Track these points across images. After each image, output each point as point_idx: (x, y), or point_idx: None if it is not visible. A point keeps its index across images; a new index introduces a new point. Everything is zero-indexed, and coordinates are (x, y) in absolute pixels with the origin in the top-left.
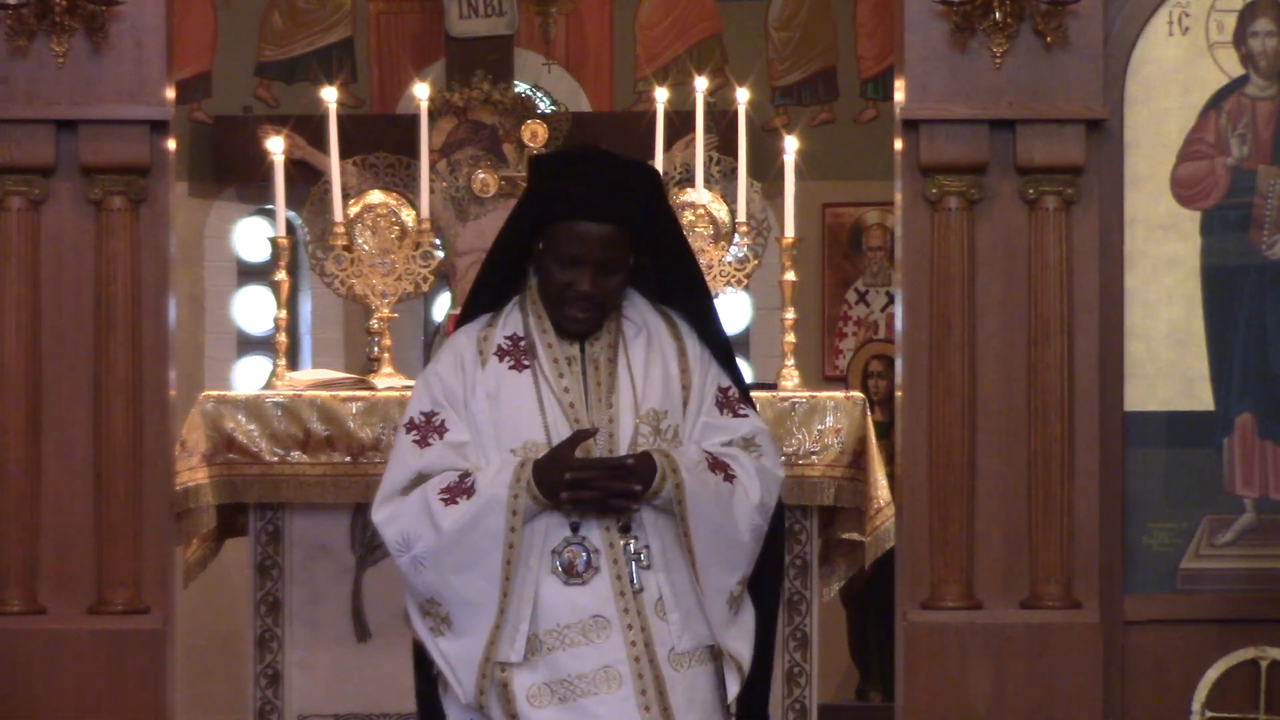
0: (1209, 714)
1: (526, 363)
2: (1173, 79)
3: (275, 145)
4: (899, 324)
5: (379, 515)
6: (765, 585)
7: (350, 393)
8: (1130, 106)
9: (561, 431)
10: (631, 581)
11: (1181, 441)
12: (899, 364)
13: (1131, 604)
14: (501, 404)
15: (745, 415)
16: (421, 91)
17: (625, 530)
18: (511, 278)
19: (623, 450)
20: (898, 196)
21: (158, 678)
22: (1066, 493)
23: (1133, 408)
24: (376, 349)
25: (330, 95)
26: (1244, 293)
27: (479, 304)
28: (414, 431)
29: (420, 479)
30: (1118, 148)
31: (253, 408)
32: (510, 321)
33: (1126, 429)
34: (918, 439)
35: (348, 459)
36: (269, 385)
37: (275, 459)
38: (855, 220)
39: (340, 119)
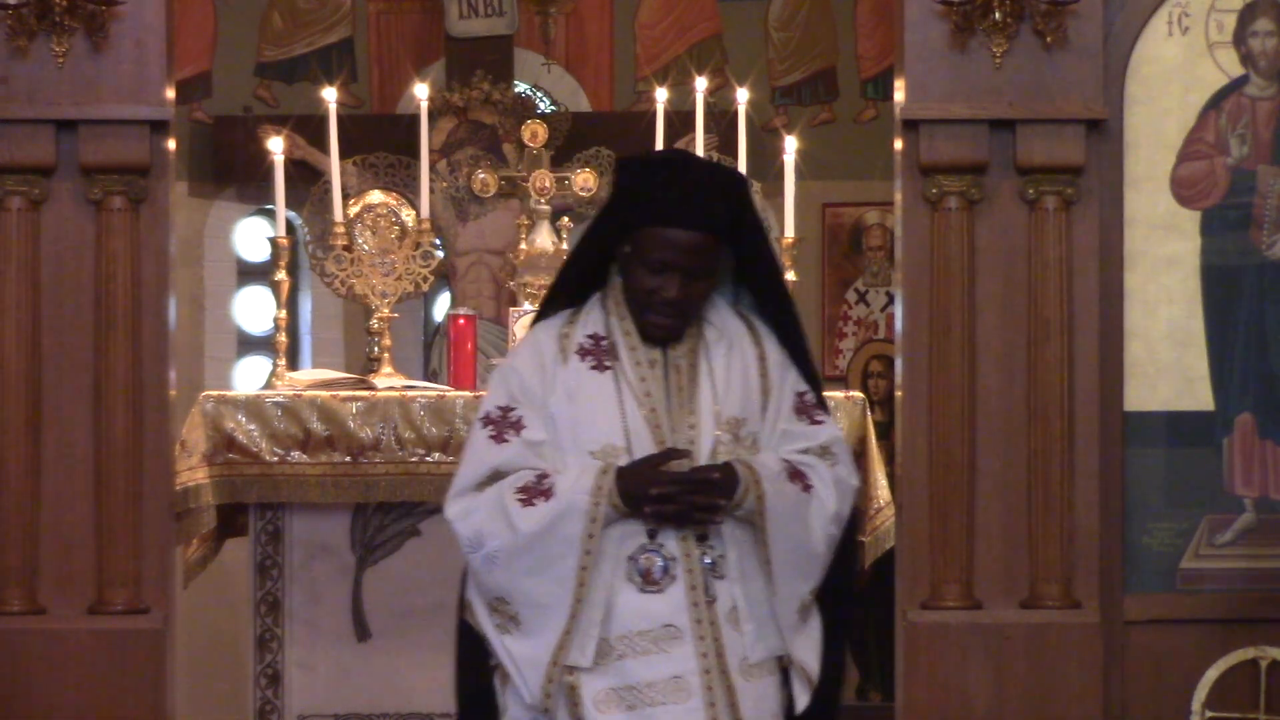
0: (1209, 714)
1: (608, 364)
2: (1173, 79)
3: (275, 145)
4: (899, 324)
5: (452, 510)
6: (834, 594)
7: (350, 393)
8: (1130, 106)
9: (641, 436)
10: (706, 591)
11: (1181, 441)
12: (899, 364)
13: (1131, 604)
14: (580, 404)
15: (822, 422)
16: (421, 91)
17: (702, 540)
18: (592, 277)
19: (703, 458)
20: (898, 196)
21: (158, 678)
22: (1066, 493)
23: (1133, 407)
24: (376, 349)
25: (330, 95)
26: (1244, 293)
27: (559, 300)
28: (490, 426)
29: (496, 476)
30: (1118, 148)
31: (253, 408)
32: (591, 320)
33: (1126, 429)
34: (918, 439)
35: (348, 459)
36: (269, 385)
37: (275, 459)
38: (855, 220)
39: (340, 119)
